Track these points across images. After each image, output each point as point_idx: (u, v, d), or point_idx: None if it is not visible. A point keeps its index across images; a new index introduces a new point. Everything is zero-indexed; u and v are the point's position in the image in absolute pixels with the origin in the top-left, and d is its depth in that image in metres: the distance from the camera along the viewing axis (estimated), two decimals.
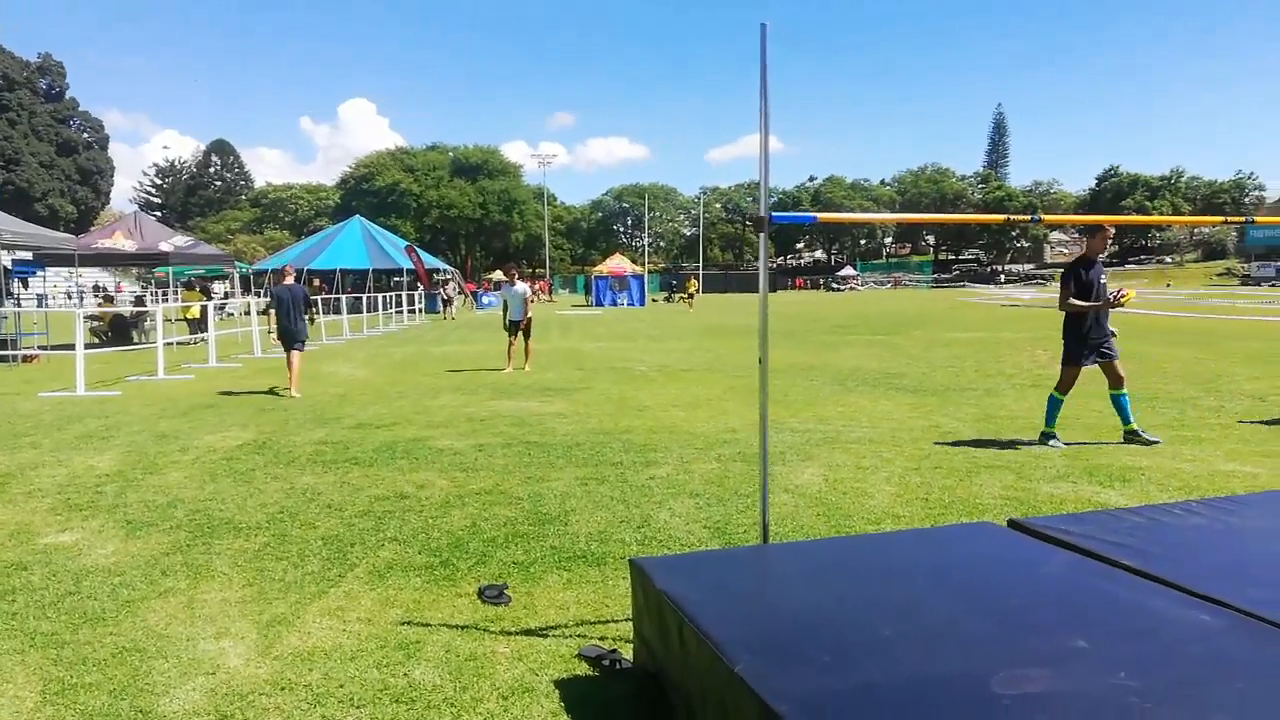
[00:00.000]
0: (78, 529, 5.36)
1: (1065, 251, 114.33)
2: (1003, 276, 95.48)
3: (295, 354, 12.07)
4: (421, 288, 40.17)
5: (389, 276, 44.88)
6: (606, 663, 3.31)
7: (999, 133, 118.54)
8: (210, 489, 6.36)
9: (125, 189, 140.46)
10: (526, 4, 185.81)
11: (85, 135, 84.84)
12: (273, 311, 12.25)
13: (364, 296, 30.49)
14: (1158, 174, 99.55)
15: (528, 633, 3.66)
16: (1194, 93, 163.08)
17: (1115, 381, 7.76)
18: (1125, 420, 7.78)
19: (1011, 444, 7.73)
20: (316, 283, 36.27)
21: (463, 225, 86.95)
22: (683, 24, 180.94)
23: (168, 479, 6.73)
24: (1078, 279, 7.66)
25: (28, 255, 21.02)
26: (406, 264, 43.56)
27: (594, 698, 3.10)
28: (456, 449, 7.75)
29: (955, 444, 7.80)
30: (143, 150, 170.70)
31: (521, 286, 15.00)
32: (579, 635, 3.62)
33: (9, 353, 17.26)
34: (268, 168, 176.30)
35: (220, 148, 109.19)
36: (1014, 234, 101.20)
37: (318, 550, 4.85)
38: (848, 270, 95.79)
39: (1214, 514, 3.53)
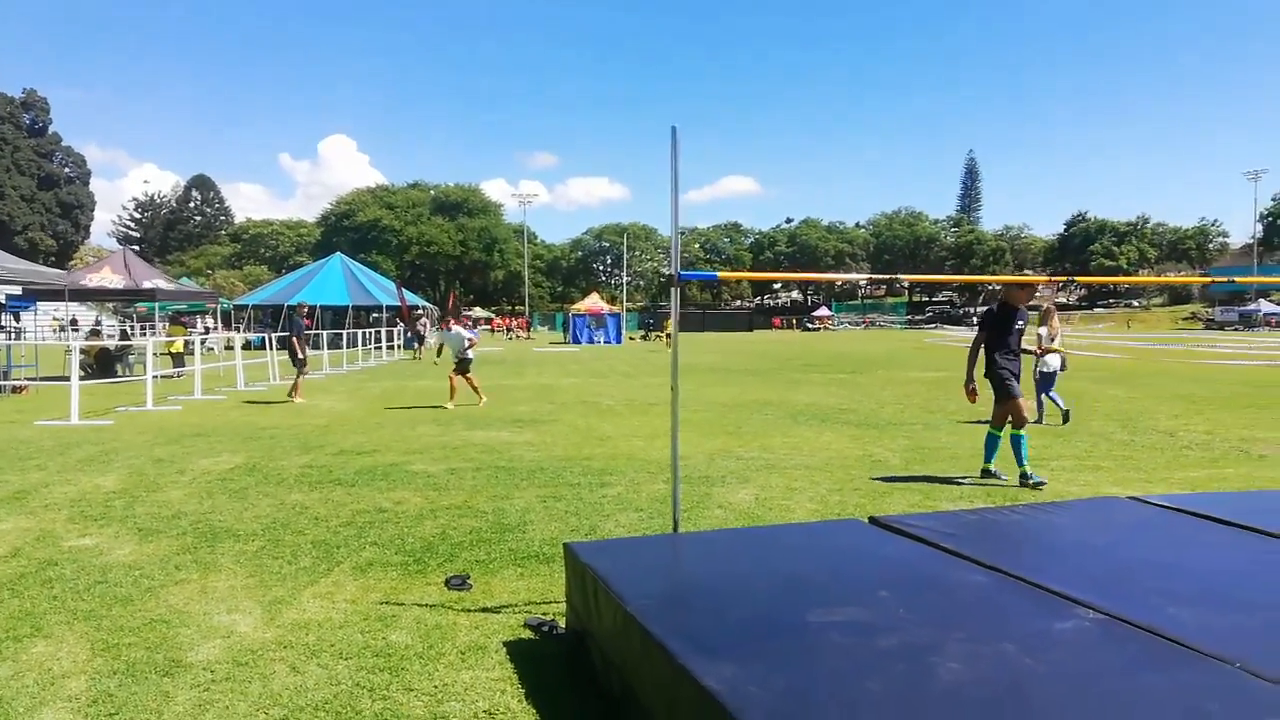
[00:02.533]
0: (95, 535, 6.13)
1: (1039, 293, 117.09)
2: (975, 318, 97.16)
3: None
4: (402, 324, 40.90)
5: (368, 313, 45.66)
6: (545, 629, 4.14)
7: (971, 178, 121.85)
8: (209, 504, 7.13)
9: (104, 222, 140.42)
10: (506, 44, 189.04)
11: (67, 170, 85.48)
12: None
13: (344, 332, 31.22)
14: (1125, 220, 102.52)
15: (485, 610, 4.48)
16: (1159, 140, 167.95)
17: (1018, 422, 8.07)
18: (1019, 462, 7.97)
19: (930, 471, 8.62)
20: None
21: (443, 262, 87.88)
22: (663, 68, 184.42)
23: (169, 496, 7.49)
24: (991, 324, 8.12)
25: (18, 291, 21.63)
26: (386, 300, 44.35)
27: (532, 653, 3.93)
28: (431, 472, 8.55)
29: (881, 470, 8.69)
30: (120, 184, 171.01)
31: (459, 330, 15.68)
32: (526, 611, 4.45)
33: (1, 383, 17.88)
34: (247, 203, 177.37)
35: (201, 183, 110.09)
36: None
37: (308, 551, 5.65)
38: (823, 310, 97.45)
39: (1033, 513, 4.43)
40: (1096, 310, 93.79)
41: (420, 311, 45.56)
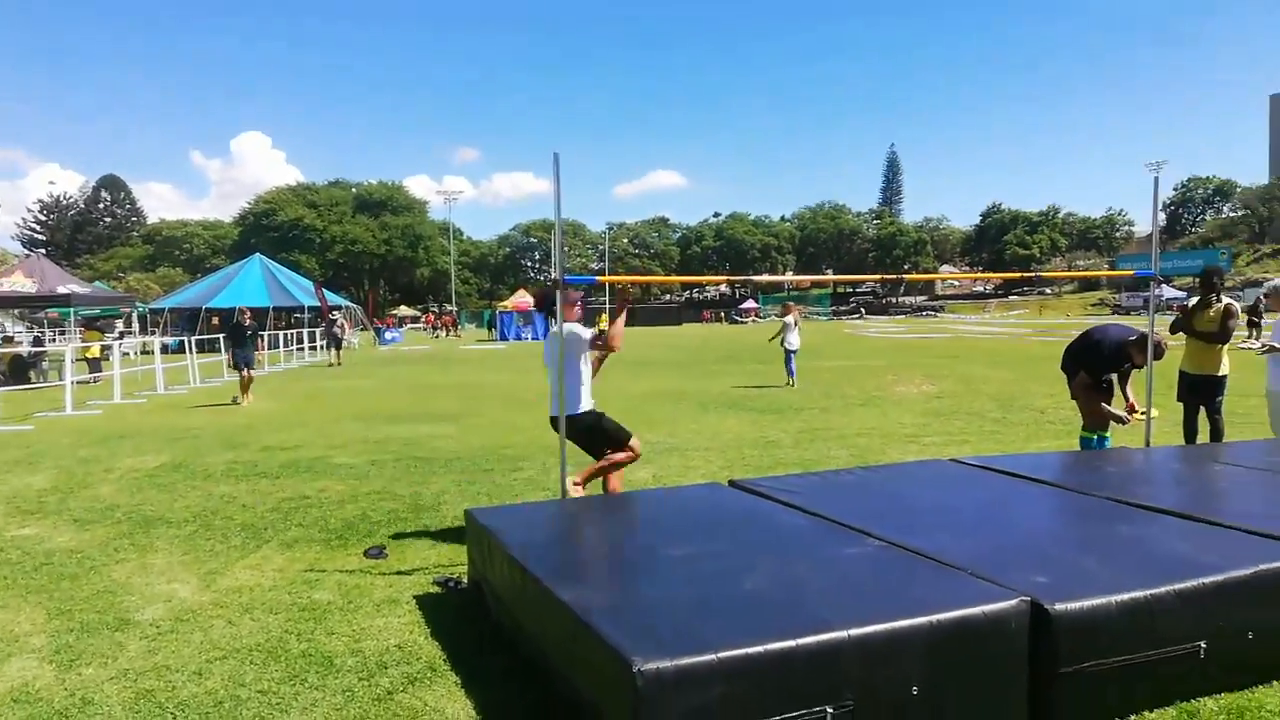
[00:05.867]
0: (34, 525, 6.57)
1: (956, 284, 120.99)
2: (893, 309, 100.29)
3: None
4: (325, 324, 40.58)
5: (289, 314, 45.28)
6: (450, 585, 4.81)
7: (892, 171, 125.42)
8: (140, 497, 7.59)
9: (6, 225, 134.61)
10: (423, 37, 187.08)
11: None
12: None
13: (265, 334, 31.08)
14: (1037, 210, 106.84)
15: (398, 573, 5.14)
16: (1069, 134, 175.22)
17: None
18: None
19: (815, 448, 9.50)
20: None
21: (366, 261, 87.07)
22: (586, 60, 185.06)
23: (100, 491, 7.90)
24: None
25: None
26: (308, 301, 44.03)
27: (438, 604, 4.60)
28: (353, 464, 9.10)
29: (772, 449, 9.54)
30: (21, 185, 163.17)
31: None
32: (436, 573, 5.11)
33: None
34: (159, 203, 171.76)
35: (111, 183, 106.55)
36: (905, 267, 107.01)
37: (237, 532, 6.21)
38: (749, 303, 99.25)
39: (866, 474, 5.28)
40: (1012, 298, 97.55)
41: (337, 312, 44.83)
